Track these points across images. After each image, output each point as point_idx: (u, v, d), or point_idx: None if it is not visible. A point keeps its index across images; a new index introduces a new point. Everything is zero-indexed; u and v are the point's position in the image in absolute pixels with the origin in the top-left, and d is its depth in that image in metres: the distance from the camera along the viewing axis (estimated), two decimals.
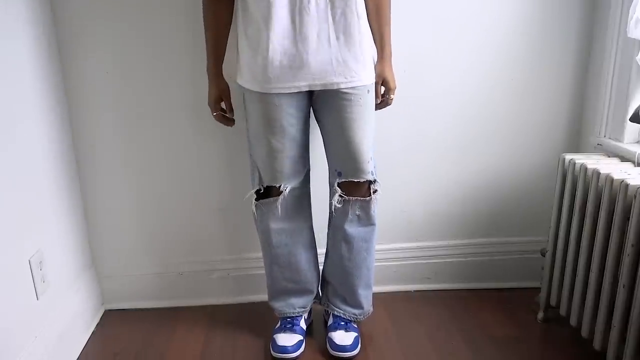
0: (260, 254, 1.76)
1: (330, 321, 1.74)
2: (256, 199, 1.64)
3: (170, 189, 1.90)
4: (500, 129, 1.91)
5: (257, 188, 1.63)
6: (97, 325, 1.90)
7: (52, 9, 1.70)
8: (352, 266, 1.68)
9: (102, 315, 1.95)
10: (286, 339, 1.69)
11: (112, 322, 1.92)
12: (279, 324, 1.75)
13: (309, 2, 1.41)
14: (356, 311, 1.74)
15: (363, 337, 1.75)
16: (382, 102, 1.65)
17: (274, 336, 1.71)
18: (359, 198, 1.61)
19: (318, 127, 1.63)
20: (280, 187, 1.60)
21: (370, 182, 1.61)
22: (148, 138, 1.84)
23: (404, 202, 1.97)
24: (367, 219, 1.64)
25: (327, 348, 1.70)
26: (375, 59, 1.59)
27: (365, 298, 1.74)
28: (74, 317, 1.74)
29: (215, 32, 1.57)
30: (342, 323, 1.72)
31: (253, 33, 1.47)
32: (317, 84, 1.49)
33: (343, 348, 1.67)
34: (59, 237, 1.70)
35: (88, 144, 1.83)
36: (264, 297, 1.83)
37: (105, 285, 1.97)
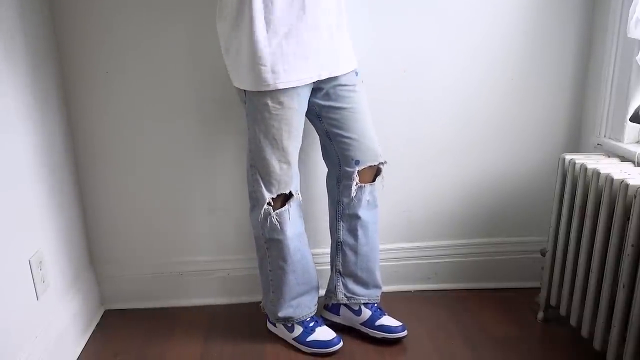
0: None
1: (368, 313, 1.75)
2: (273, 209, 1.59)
3: (170, 189, 1.90)
4: (500, 129, 1.91)
5: (272, 197, 1.57)
6: (96, 325, 1.90)
7: (51, 8, 1.70)
8: (369, 250, 1.73)
9: (102, 315, 1.95)
10: (324, 334, 1.70)
11: (111, 322, 1.92)
12: (301, 331, 1.71)
13: None
14: (378, 291, 1.78)
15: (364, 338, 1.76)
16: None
17: (309, 340, 1.69)
18: (367, 184, 1.67)
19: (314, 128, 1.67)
20: (290, 192, 1.60)
21: (380, 164, 1.67)
22: (148, 138, 1.84)
23: (405, 202, 1.97)
24: (374, 202, 1.71)
25: (370, 339, 1.73)
26: None
27: (380, 277, 1.79)
28: (74, 317, 1.74)
29: None
30: (378, 310, 1.76)
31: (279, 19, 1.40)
32: (324, 72, 1.50)
33: (396, 329, 1.72)
34: (59, 237, 1.69)
35: (87, 143, 1.83)
36: None
37: (105, 285, 1.97)
